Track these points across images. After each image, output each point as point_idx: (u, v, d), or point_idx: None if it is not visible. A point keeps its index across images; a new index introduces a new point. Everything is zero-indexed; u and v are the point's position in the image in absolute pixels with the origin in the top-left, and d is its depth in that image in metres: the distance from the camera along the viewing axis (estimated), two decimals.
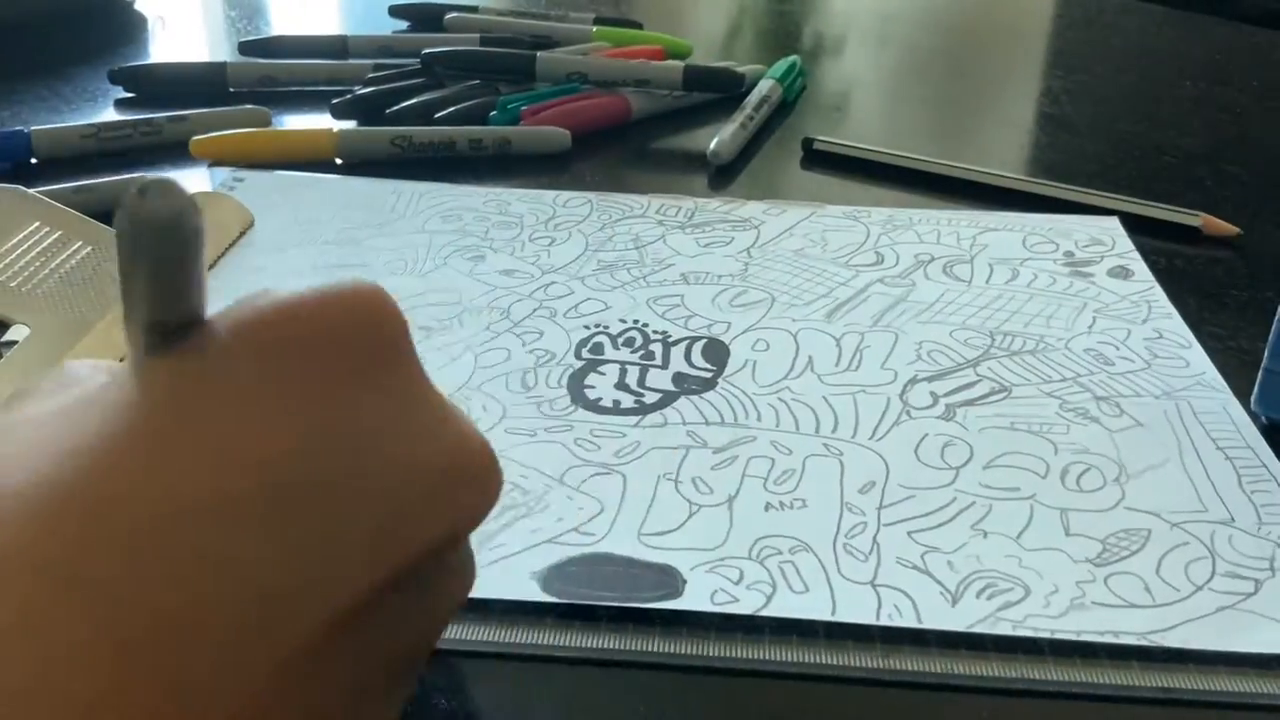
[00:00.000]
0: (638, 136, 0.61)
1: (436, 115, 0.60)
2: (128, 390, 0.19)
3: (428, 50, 0.64)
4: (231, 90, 0.66)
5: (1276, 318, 0.36)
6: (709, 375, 0.39)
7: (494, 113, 0.60)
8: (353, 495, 0.19)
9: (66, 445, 0.18)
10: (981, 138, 0.66)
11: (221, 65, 0.66)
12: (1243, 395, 0.38)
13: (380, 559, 0.19)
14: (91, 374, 0.22)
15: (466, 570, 0.23)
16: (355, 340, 0.20)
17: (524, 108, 0.60)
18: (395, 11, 0.81)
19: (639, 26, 0.78)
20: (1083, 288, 0.45)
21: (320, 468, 0.19)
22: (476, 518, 0.21)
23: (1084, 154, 0.61)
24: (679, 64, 0.65)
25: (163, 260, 0.18)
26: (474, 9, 0.79)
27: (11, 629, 0.16)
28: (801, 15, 0.90)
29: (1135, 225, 0.51)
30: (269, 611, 0.17)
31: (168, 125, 0.58)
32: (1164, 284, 0.46)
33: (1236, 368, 0.40)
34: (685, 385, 0.38)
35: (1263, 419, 0.37)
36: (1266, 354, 0.37)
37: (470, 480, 0.21)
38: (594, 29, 0.76)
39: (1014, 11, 0.94)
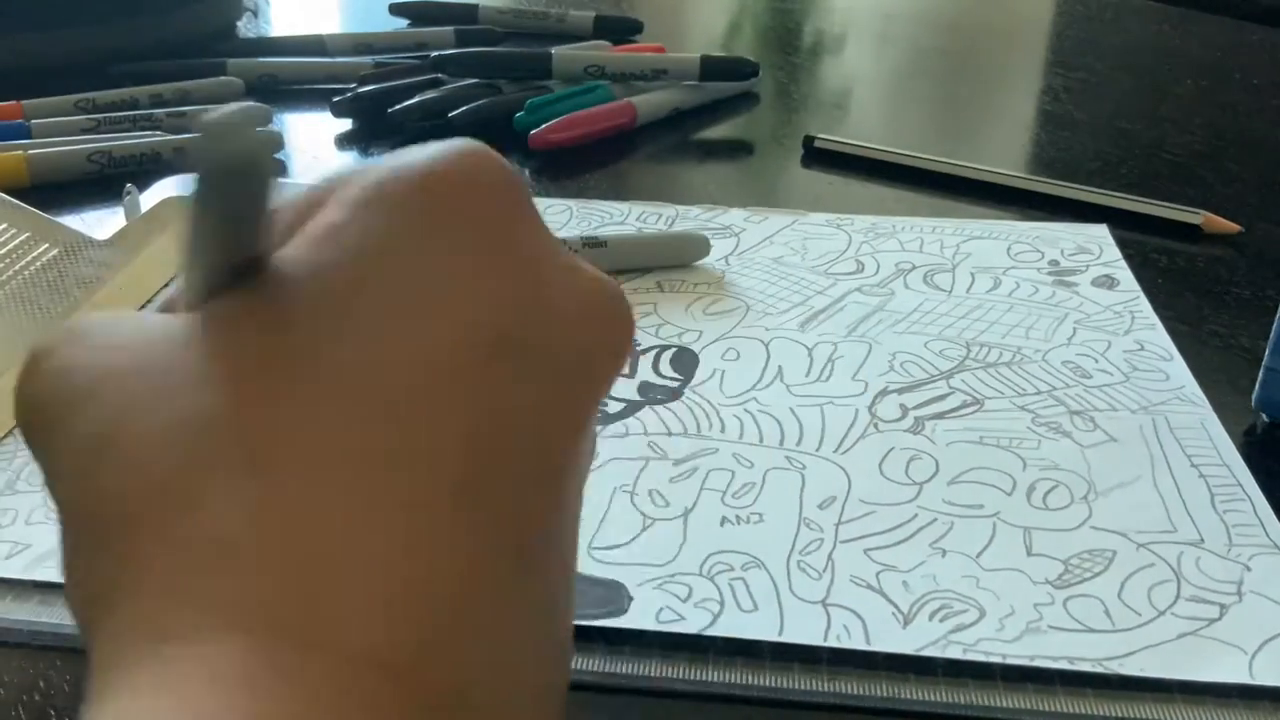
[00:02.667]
0: (644, 142, 0.61)
1: (450, 115, 0.59)
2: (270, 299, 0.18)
3: (439, 53, 0.63)
4: None
5: (1278, 316, 0.36)
6: (675, 385, 0.38)
7: (519, 114, 0.60)
8: (555, 331, 0.19)
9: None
10: (982, 135, 0.66)
11: (221, 64, 0.66)
12: (1243, 394, 0.38)
13: (589, 382, 0.20)
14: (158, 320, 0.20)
15: (594, 439, 0.23)
16: (488, 194, 0.19)
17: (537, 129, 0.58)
18: (395, 10, 0.80)
19: (639, 26, 0.78)
20: (1065, 298, 0.44)
21: (521, 313, 0.19)
22: (627, 348, 0.21)
23: (1084, 151, 0.61)
24: (695, 56, 0.65)
25: (237, 199, 0.17)
26: (473, 8, 0.79)
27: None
28: (802, 13, 0.89)
29: (1136, 223, 0.51)
30: (536, 442, 0.18)
31: (166, 120, 0.58)
32: (1164, 282, 0.46)
33: (1237, 366, 0.40)
34: (651, 395, 0.38)
35: (1263, 418, 0.37)
36: (1268, 352, 0.37)
37: (617, 311, 0.21)
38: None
39: (1014, 9, 0.93)
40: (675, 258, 0.46)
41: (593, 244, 0.45)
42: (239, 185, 0.17)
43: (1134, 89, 0.72)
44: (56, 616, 0.28)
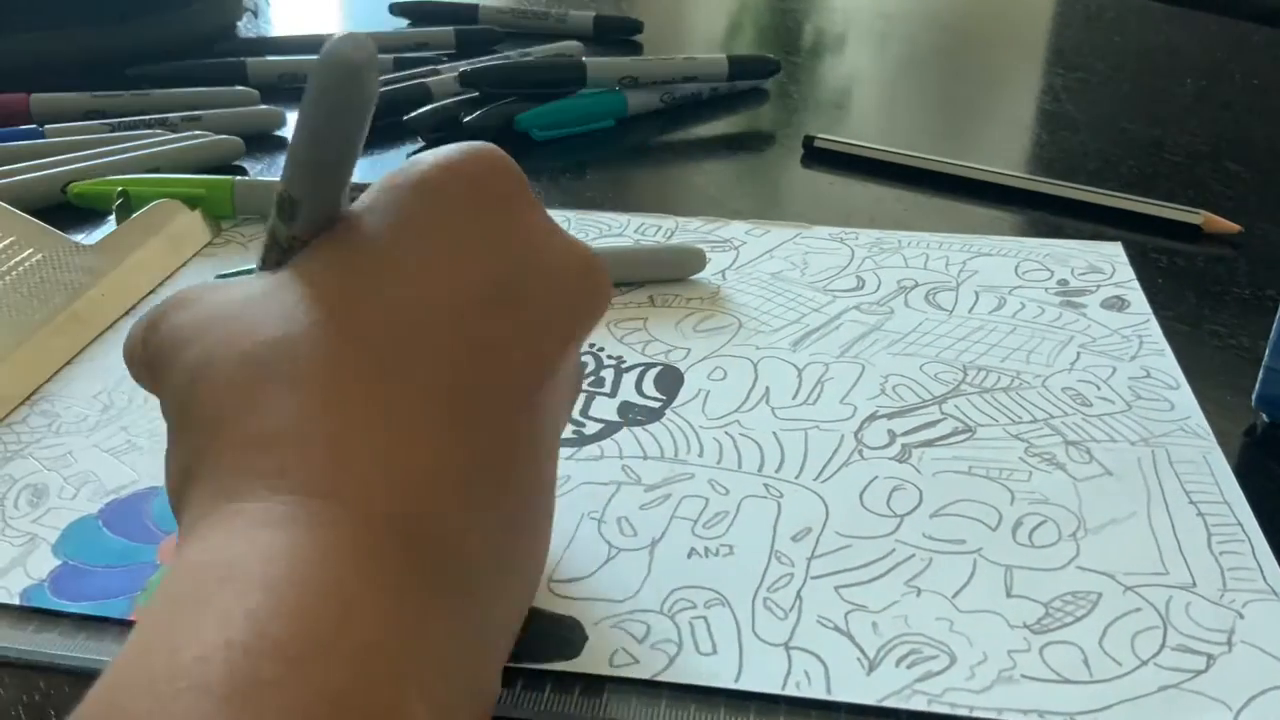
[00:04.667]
0: (643, 141, 0.60)
1: (465, 120, 0.59)
2: (337, 248, 0.24)
3: (470, 67, 0.62)
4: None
5: (1278, 316, 0.35)
6: (657, 405, 0.37)
7: (521, 114, 0.60)
8: (540, 288, 0.24)
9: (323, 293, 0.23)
10: (982, 135, 0.64)
11: (240, 63, 0.66)
12: (1243, 394, 0.37)
13: (562, 333, 0.24)
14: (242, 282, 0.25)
15: (577, 380, 0.29)
16: (496, 181, 0.25)
17: None
18: (395, 10, 0.80)
19: (639, 26, 0.77)
20: (1072, 319, 0.42)
21: (514, 272, 0.24)
22: (602, 310, 0.26)
23: (1084, 151, 0.60)
24: (721, 57, 0.65)
25: (339, 103, 0.23)
26: (473, 8, 0.78)
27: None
28: (802, 13, 0.88)
29: (1136, 223, 0.50)
30: (515, 378, 0.23)
31: (182, 124, 0.59)
32: (1164, 282, 0.45)
33: (1237, 366, 0.39)
34: (630, 415, 0.36)
35: (1263, 417, 0.36)
36: (1268, 352, 0.36)
37: (596, 279, 0.25)
38: None
39: (1014, 9, 0.91)
40: (670, 272, 0.45)
41: None
42: (349, 92, 0.22)
43: (1134, 88, 0.71)
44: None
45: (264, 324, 0.23)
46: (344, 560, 0.19)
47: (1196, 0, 0.86)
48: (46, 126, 0.57)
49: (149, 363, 0.25)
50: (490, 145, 0.25)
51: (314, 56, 0.66)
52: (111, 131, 0.57)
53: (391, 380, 0.22)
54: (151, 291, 0.44)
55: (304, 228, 0.24)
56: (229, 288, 0.25)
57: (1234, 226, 0.49)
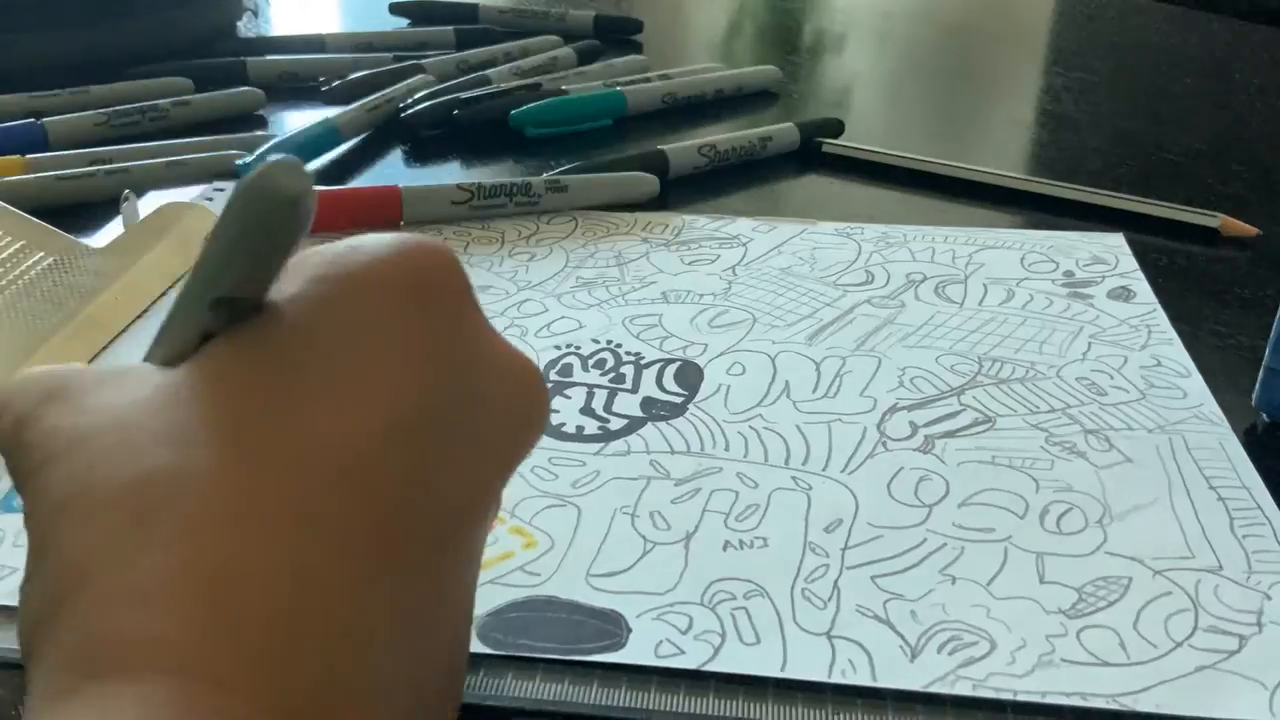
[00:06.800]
0: (644, 141, 0.60)
1: (456, 113, 0.59)
2: (230, 360, 0.21)
3: (516, 111, 0.59)
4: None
5: (1278, 316, 0.35)
6: (679, 400, 0.37)
7: (515, 110, 0.59)
8: (479, 408, 0.22)
9: (213, 419, 0.20)
10: (982, 135, 0.65)
11: (241, 62, 0.66)
12: (1244, 394, 0.37)
13: (502, 460, 0.23)
14: (140, 372, 0.22)
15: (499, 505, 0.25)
16: (439, 282, 0.22)
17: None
18: (395, 10, 0.80)
19: (639, 26, 0.77)
20: (1080, 310, 0.43)
21: (444, 397, 0.21)
22: (541, 428, 0.24)
23: (1085, 151, 0.60)
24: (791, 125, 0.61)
25: (267, 236, 0.20)
26: (473, 8, 0.78)
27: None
28: (802, 13, 0.88)
29: (1136, 223, 0.50)
30: (450, 518, 0.21)
31: (173, 110, 0.60)
32: (1165, 281, 0.45)
33: (1237, 366, 0.39)
34: (654, 411, 0.37)
35: (1263, 417, 0.37)
36: (1268, 351, 0.36)
37: (537, 395, 0.24)
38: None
39: (1014, 8, 0.92)
40: (627, 196, 0.51)
41: (555, 188, 0.50)
42: (276, 223, 0.19)
43: (1134, 88, 0.72)
44: None
45: (150, 449, 0.19)
46: None
47: (1196, 0, 0.86)
48: (46, 120, 0.57)
49: (12, 458, 0.22)
50: (437, 242, 0.22)
51: (315, 56, 0.67)
52: (108, 123, 0.57)
53: (303, 529, 0.19)
54: (163, 293, 0.44)
55: (224, 324, 0.21)
56: (116, 384, 0.21)
57: (1251, 230, 0.49)
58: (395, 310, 0.21)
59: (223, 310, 0.21)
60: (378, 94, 0.60)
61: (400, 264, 0.21)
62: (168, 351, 0.22)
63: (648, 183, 0.52)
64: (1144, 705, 0.26)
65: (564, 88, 0.63)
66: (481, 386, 0.22)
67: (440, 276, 0.22)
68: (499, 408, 0.22)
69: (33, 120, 0.57)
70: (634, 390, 0.38)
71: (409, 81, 0.63)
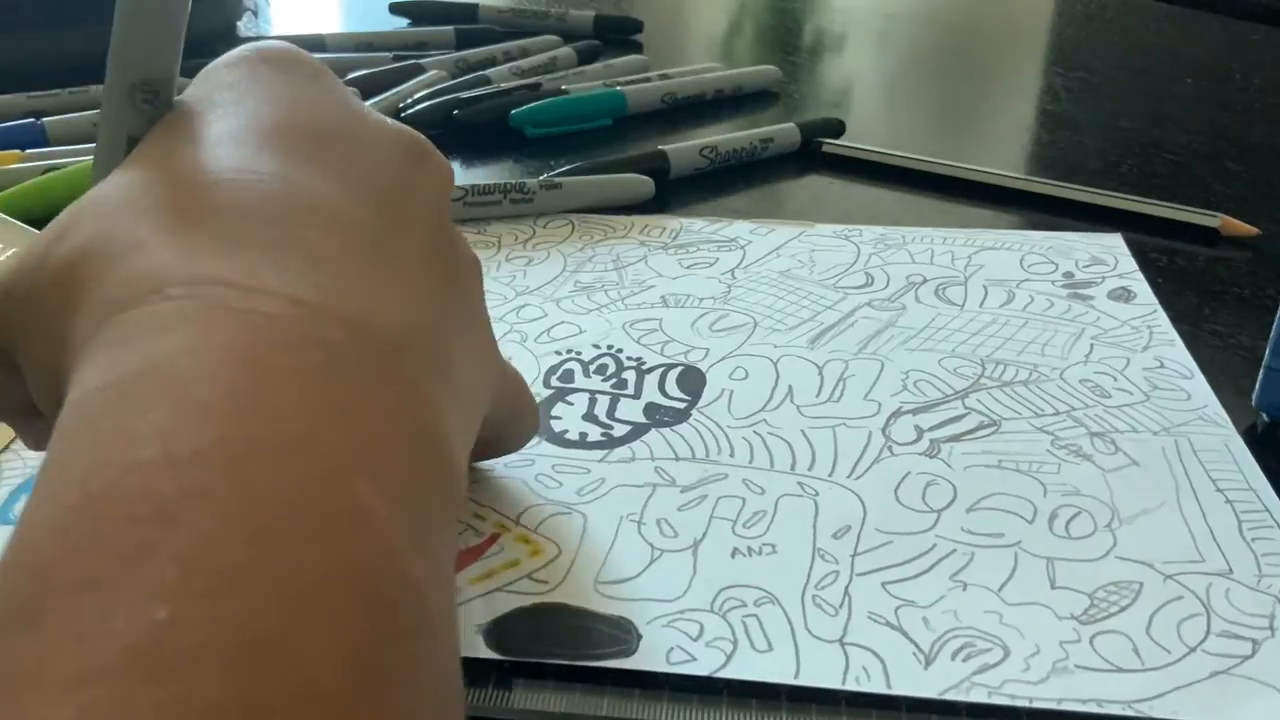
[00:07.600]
0: (643, 140, 0.60)
1: (455, 112, 0.59)
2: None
3: (516, 110, 0.59)
4: None
5: (1278, 316, 0.35)
6: (683, 406, 0.37)
7: (515, 110, 0.59)
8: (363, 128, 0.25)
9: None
10: (981, 134, 0.65)
11: None
12: (1244, 394, 0.37)
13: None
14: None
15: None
16: (305, 58, 0.26)
17: None
18: (395, 10, 0.80)
19: (639, 26, 0.77)
20: (1081, 312, 0.43)
21: (335, 115, 0.24)
22: (447, 172, 0.26)
23: (1085, 151, 0.60)
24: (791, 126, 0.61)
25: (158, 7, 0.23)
26: (473, 8, 0.78)
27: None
28: (802, 13, 0.88)
29: (1137, 224, 0.50)
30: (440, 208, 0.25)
31: None
32: (1164, 281, 0.45)
33: (1237, 366, 0.39)
34: (657, 417, 0.36)
35: (1264, 417, 0.37)
36: (1268, 351, 0.36)
37: (422, 145, 0.26)
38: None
39: (1014, 8, 0.92)
40: (623, 196, 0.51)
41: (549, 186, 0.51)
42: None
43: (1134, 89, 0.72)
44: None
45: (131, 194, 0.21)
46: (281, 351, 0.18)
47: (1196, 0, 0.87)
48: (46, 120, 0.56)
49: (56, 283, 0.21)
50: (280, 42, 0.26)
51: (314, 56, 0.67)
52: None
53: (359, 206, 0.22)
54: None
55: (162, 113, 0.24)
56: (106, 186, 0.23)
57: (1251, 230, 0.49)
58: (282, 71, 0.25)
59: (141, 102, 0.23)
60: (377, 94, 0.60)
61: (264, 48, 0.25)
62: (106, 167, 0.24)
63: (644, 184, 0.52)
64: (1160, 712, 0.26)
65: (564, 87, 0.62)
66: (367, 124, 0.25)
67: (302, 55, 0.26)
68: (388, 142, 0.25)
69: (32, 120, 0.56)
70: (636, 396, 0.38)
71: (409, 82, 0.63)
